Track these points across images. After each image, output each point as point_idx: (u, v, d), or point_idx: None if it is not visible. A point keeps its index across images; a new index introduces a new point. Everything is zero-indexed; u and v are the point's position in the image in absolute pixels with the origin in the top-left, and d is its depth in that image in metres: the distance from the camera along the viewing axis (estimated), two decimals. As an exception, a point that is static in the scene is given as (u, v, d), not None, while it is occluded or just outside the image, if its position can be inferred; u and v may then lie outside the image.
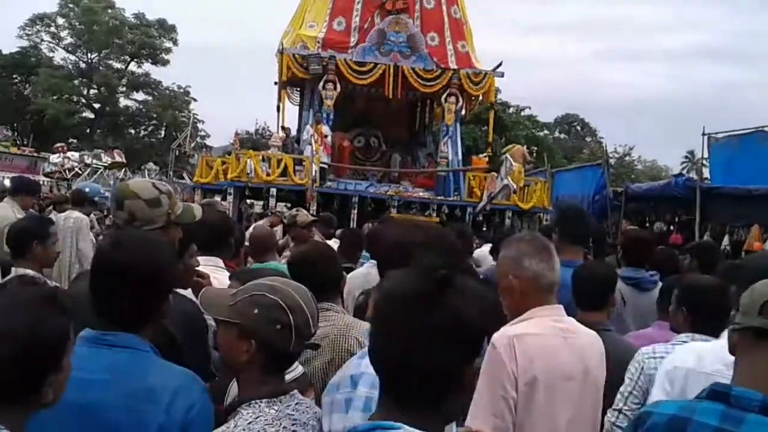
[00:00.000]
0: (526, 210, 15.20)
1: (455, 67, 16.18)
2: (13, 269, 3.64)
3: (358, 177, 16.35)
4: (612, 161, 37.36)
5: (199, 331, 2.36)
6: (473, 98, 17.29)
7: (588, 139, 59.49)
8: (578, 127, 61.38)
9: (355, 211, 14.28)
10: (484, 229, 14.16)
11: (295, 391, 1.77)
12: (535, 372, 2.19)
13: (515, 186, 14.28)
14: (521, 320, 2.31)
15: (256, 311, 1.71)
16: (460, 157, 17.00)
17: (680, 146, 77.28)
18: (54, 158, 31.55)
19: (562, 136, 59.66)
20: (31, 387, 1.38)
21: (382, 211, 14.05)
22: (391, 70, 15.52)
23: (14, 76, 50.15)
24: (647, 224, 14.02)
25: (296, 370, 2.08)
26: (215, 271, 2.91)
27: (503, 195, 14.47)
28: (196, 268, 2.59)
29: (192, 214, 2.42)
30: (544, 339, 2.26)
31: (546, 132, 51.38)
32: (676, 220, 13.20)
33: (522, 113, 45.09)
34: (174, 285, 1.96)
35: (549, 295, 2.36)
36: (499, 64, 16.73)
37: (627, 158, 52.53)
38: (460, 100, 16.40)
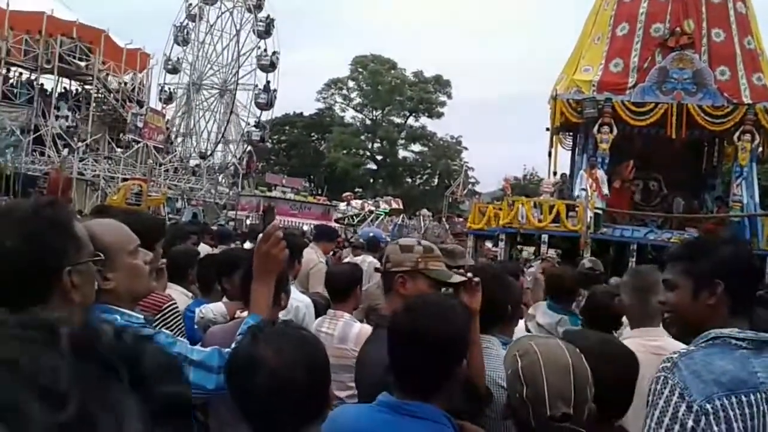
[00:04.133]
0: None
1: (750, 101, 14.62)
2: (330, 310, 3.97)
3: (637, 223, 15.44)
4: None
5: None
6: (773, 134, 15.42)
7: None
8: None
9: (633, 260, 13.46)
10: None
11: None
12: None
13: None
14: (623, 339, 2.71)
15: (509, 372, 1.68)
16: (756, 200, 15.19)
17: None
18: (355, 204, 35.40)
19: None
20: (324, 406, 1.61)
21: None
22: (674, 109, 14.56)
23: (312, 134, 57.28)
24: None
25: None
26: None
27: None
28: None
29: (444, 275, 2.38)
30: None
31: None
32: None
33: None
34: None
35: (649, 319, 2.75)
36: (807, 95, 14.73)
37: None
38: (757, 137, 14.75)
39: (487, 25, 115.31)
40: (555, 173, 17.51)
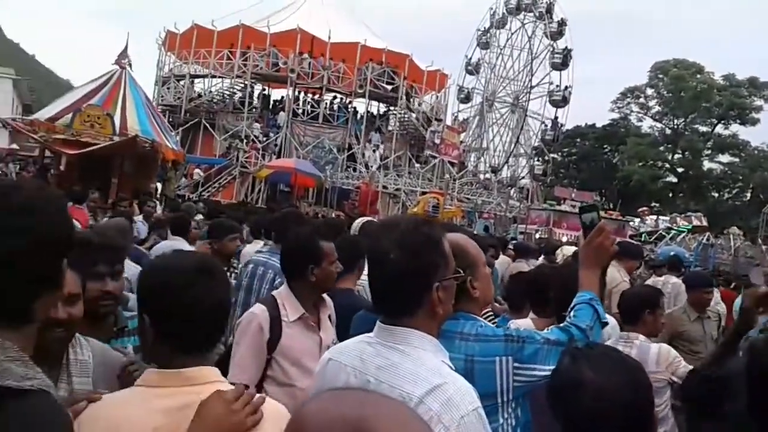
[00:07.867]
0: None
1: None
2: (623, 332, 3.89)
3: None
4: None
5: None
6: None
7: None
8: None
9: None
10: None
11: None
12: None
13: None
14: None
15: None
16: None
17: None
18: (649, 221, 33.58)
19: None
20: None
21: None
22: None
23: (605, 146, 55.10)
24: None
25: None
26: None
27: None
28: None
29: None
30: None
31: None
32: None
33: None
34: None
35: None
36: None
37: None
38: None
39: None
40: None
